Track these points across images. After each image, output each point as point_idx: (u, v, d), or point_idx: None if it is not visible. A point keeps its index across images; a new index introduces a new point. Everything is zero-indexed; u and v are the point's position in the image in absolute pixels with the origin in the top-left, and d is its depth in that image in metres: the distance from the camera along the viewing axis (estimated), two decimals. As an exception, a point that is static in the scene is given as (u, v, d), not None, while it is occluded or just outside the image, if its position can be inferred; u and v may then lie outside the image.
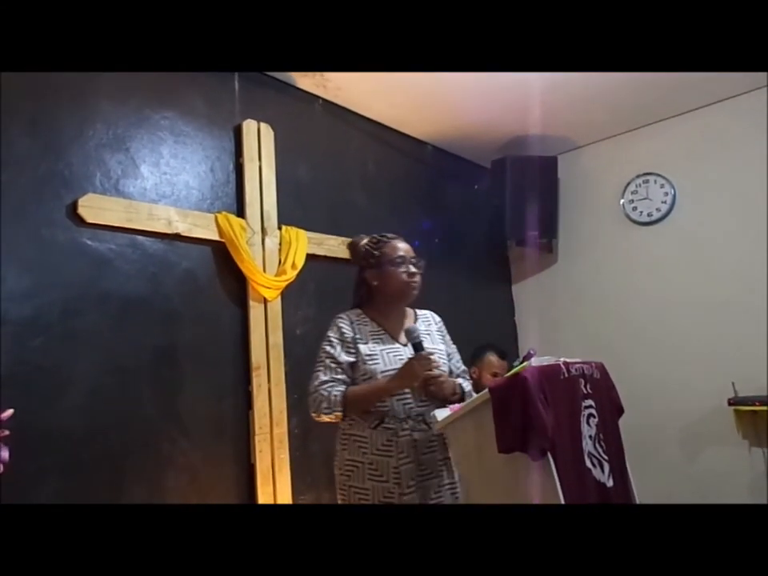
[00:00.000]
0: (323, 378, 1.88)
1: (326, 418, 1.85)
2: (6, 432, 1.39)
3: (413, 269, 2.00)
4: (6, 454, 1.39)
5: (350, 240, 2.12)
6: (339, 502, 1.92)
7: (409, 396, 1.88)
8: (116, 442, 2.08)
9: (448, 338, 2.15)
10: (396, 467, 1.83)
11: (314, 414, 1.88)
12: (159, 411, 2.22)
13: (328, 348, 1.93)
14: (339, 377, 1.88)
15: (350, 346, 1.92)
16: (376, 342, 1.94)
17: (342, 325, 1.96)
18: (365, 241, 2.06)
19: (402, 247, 2.01)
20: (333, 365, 1.89)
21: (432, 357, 1.86)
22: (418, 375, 1.81)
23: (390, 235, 2.06)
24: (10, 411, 1.41)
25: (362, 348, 1.91)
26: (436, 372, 1.87)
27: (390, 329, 1.99)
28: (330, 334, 1.95)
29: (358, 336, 1.94)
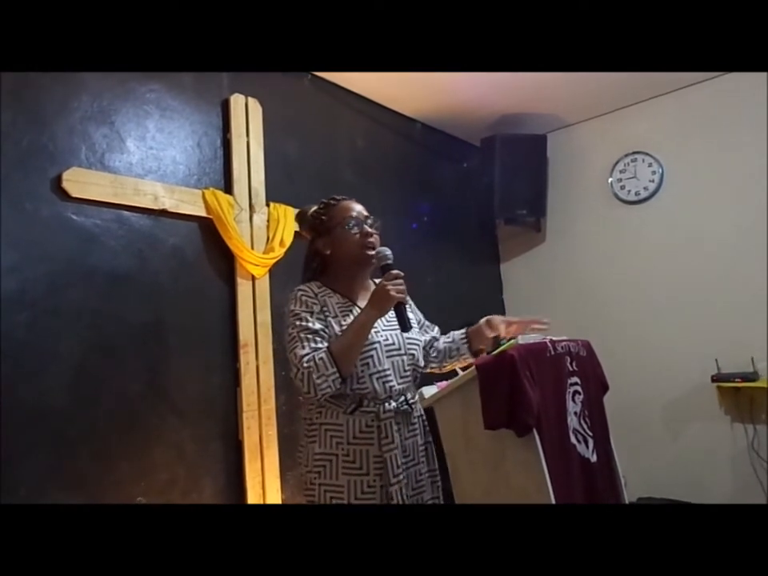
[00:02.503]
0: (302, 352, 1.61)
1: (326, 390, 1.58)
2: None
3: (368, 229, 1.76)
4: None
5: (298, 211, 1.91)
6: (306, 503, 1.69)
7: (389, 373, 1.69)
8: (103, 418, 2.07)
9: (413, 305, 1.97)
10: (378, 455, 1.63)
11: (310, 395, 1.60)
12: (146, 387, 2.21)
13: (297, 322, 1.67)
14: (320, 345, 1.63)
15: (320, 316, 1.69)
16: (345, 315, 1.71)
17: (305, 297, 1.71)
18: (313, 208, 1.85)
19: (354, 207, 1.79)
20: (309, 335, 1.64)
21: (401, 275, 1.66)
22: (392, 295, 1.61)
23: (339, 197, 1.84)
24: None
25: (333, 321, 1.68)
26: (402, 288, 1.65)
27: (356, 300, 1.77)
28: (294, 307, 1.69)
29: (325, 308, 1.70)
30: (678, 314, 3.62)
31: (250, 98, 2.70)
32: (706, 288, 3.52)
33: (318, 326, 1.66)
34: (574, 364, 1.85)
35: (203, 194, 2.44)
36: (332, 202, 1.82)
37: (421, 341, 1.84)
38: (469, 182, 4.09)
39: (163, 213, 2.32)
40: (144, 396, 2.20)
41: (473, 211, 4.10)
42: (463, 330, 1.95)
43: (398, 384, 1.71)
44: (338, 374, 1.58)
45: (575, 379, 1.84)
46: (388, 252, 1.72)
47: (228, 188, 2.58)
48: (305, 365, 1.59)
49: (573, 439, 1.75)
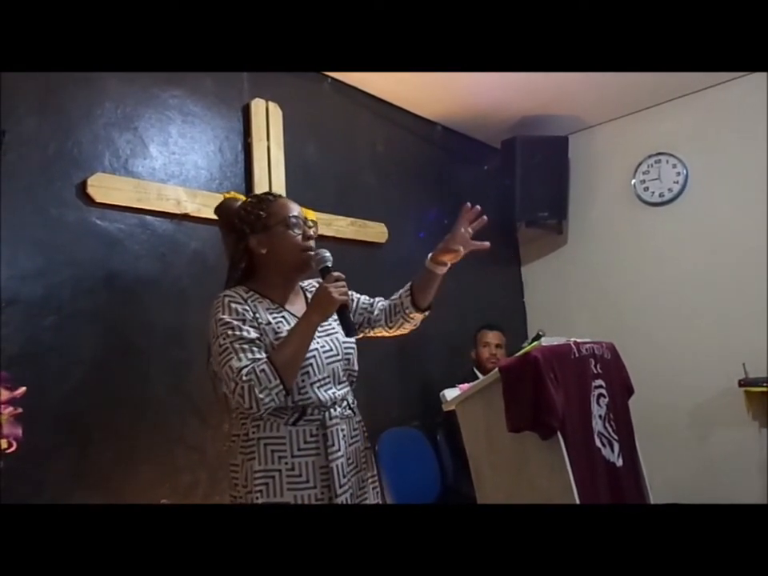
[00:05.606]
0: (239, 364, 1.47)
1: (270, 404, 1.46)
2: (19, 410, 1.41)
3: (309, 231, 1.65)
4: (19, 432, 1.40)
5: (219, 203, 1.79)
6: None
7: (329, 380, 1.60)
8: (126, 421, 2.09)
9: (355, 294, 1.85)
10: (324, 465, 1.53)
11: (252, 410, 1.46)
12: (169, 390, 2.23)
13: (229, 331, 1.51)
14: (258, 356, 1.50)
15: (253, 324, 1.55)
16: (278, 322, 1.58)
17: (234, 305, 1.56)
18: (240, 202, 1.73)
19: (294, 207, 1.66)
20: (245, 345, 1.50)
21: (342, 277, 1.57)
22: (335, 297, 1.51)
23: (274, 194, 1.76)
24: (23, 389, 1.42)
25: (266, 329, 1.55)
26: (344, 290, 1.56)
27: (287, 305, 1.65)
28: (223, 316, 1.54)
29: (256, 314, 1.56)
30: (704, 317, 3.56)
31: (270, 103, 2.71)
32: (733, 291, 3.45)
33: (253, 335, 1.52)
34: (598, 366, 1.83)
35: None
36: (269, 197, 1.70)
37: (355, 344, 1.74)
38: (489, 185, 4.06)
39: (185, 217, 2.34)
40: (167, 399, 2.22)
41: (493, 214, 4.07)
42: (407, 285, 1.81)
43: (338, 390, 1.63)
44: (281, 387, 1.46)
45: (600, 382, 1.82)
46: (327, 254, 1.62)
47: (249, 192, 2.58)
48: (244, 378, 1.45)
49: (598, 443, 1.73)
